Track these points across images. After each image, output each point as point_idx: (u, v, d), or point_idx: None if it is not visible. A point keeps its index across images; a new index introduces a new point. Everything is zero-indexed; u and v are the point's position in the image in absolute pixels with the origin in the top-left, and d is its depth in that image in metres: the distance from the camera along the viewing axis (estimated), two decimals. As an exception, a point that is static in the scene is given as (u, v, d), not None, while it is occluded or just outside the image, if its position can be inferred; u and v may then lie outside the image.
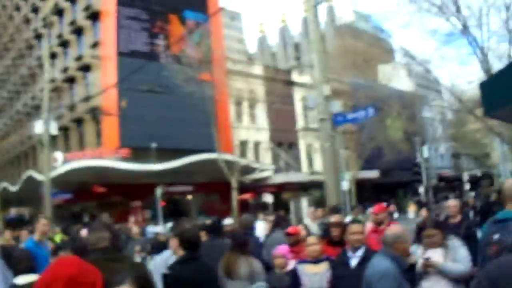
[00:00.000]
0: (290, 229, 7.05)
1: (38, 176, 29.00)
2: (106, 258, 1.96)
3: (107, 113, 27.38)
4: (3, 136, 33.80)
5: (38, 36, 41.40)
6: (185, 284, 3.75)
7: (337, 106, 12.78)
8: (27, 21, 44.19)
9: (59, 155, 26.90)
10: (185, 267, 3.84)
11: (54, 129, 21.72)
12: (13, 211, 38.50)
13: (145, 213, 29.53)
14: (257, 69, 39.41)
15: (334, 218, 7.63)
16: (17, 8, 47.32)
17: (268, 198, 32.23)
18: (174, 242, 4.07)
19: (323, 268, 5.14)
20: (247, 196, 32.12)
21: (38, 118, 37.34)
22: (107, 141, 30.29)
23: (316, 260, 5.21)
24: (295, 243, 6.30)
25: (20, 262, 4.37)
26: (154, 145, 27.89)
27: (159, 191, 25.53)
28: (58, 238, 10.64)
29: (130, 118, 27.92)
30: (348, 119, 13.52)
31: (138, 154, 28.18)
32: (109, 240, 3.70)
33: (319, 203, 36.83)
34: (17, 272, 4.22)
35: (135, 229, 12.77)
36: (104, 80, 29.13)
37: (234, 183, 26.61)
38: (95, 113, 28.97)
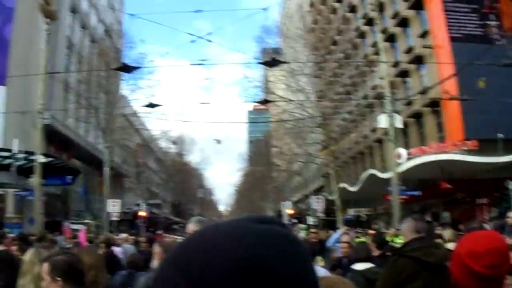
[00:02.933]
0: None
1: (380, 175, 30.67)
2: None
3: (455, 97, 27.35)
4: (335, 138, 36.48)
5: (361, 35, 43.91)
6: None
7: None
8: (346, 21, 47.16)
9: (402, 151, 27.85)
10: None
11: (399, 123, 22.22)
12: (351, 212, 41.39)
13: (491, 211, 28.65)
14: None
15: None
16: (333, 11, 50.90)
17: None
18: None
19: None
20: None
21: (370, 117, 39.59)
22: (450, 134, 30.50)
23: None
24: None
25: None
26: (500, 135, 27.05)
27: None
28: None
29: (472, 108, 27.60)
30: None
31: (483, 146, 27.68)
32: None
33: None
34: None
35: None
36: (440, 70, 29.40)
37: None
38: (442, 99, 29.20)
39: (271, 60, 19.53)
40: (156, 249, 4.74)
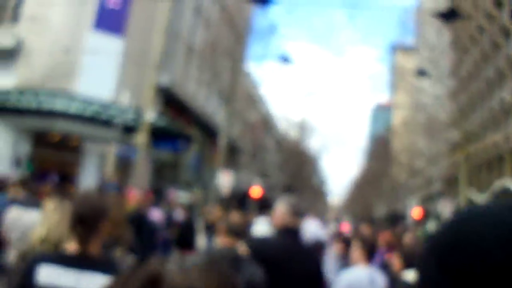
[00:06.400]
0: None
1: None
2: None
3: None
4: (471, 138, 33.94)
5: (507, 32, 40.94)
6: None
7: None
8: (490, 18, 44.09)
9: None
10: None
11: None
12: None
13: None
14: None
15: None
16: (476, 7, 47.80)
17: None
18: None
19: None
20: None
21: (505, 124, 36.90)
22: None
23: None
24: None
25: None
26: None
27: None
28: None
29: None
30: None
31: None
32: None
33: None
34: None
35: None
36: None
37: None
38: None
39: (450, 11, 16.45)
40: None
